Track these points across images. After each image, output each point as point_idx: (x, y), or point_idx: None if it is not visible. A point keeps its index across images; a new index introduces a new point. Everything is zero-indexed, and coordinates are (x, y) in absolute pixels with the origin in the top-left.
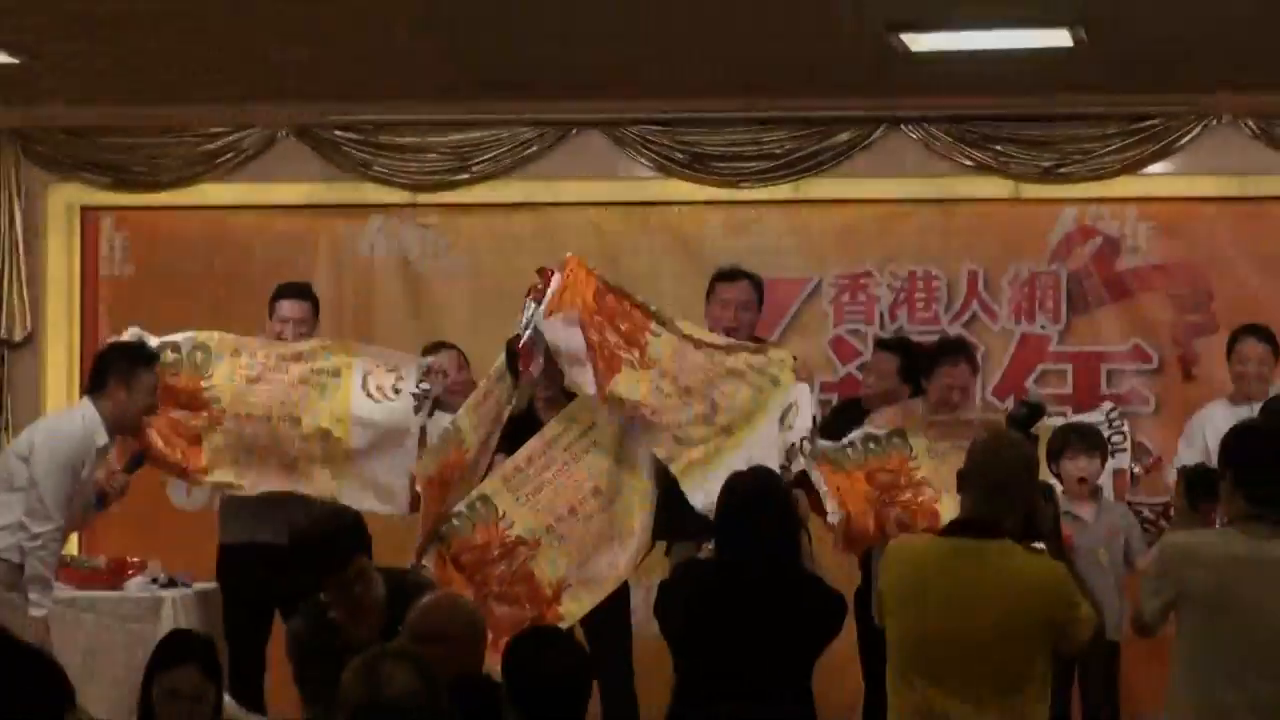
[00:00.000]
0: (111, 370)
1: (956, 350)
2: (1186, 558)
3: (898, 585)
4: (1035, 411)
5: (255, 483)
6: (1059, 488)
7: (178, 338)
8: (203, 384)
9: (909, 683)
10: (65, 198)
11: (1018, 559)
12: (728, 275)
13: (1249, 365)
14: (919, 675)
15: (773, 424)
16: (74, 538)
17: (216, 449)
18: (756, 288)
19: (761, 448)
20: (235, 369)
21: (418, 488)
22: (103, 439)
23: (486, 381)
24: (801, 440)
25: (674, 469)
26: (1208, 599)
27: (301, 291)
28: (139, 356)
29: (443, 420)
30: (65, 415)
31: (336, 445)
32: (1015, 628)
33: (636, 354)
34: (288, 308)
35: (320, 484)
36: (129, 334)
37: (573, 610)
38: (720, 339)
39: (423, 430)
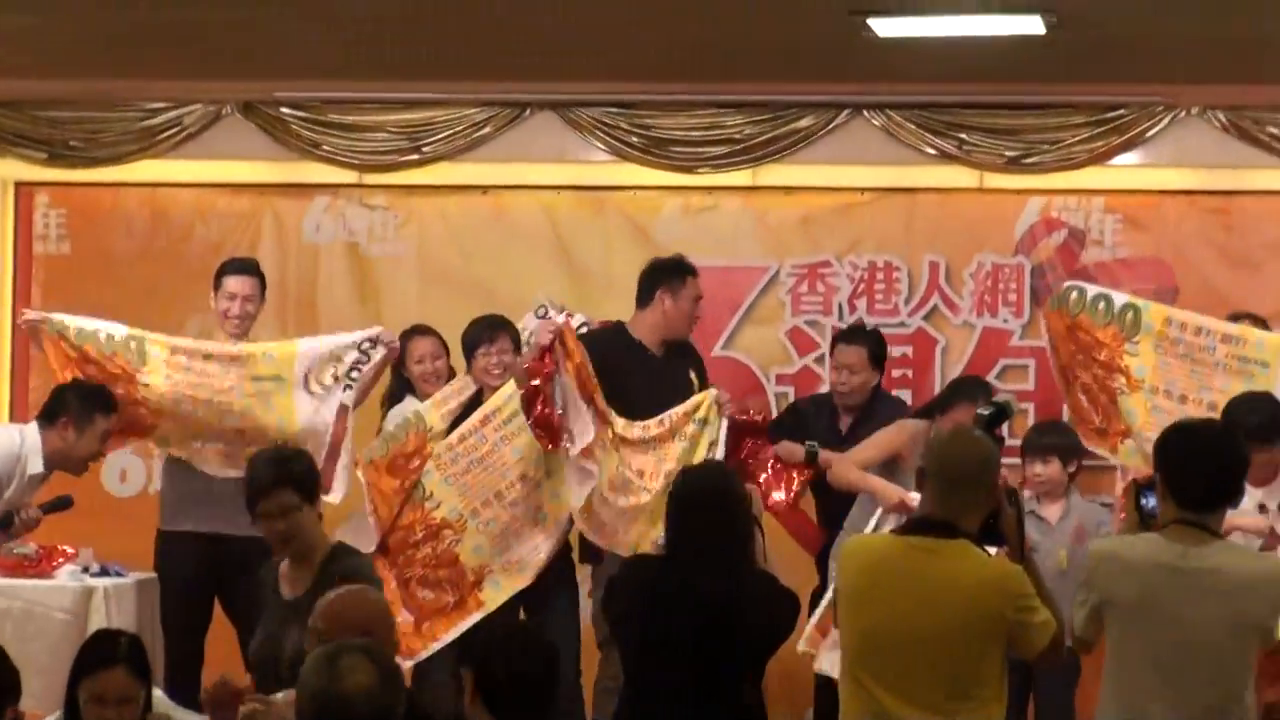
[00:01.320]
0: (67, 410)
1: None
2: (1111, 565)
3: (852, 584)
4: (1002, 412)
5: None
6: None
7: (115, 329)
8: (138, 379)
9: (859, 683)
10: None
11: (972, 558)
12: (846, 337)
13: None
14: (869, 676)
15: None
16: None
17: (164, 439)
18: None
19: None
20: (171, 370)
21: (359, 473)
22: (36, 468)
23: (455, 388)
24: None
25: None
26: (1131, 607)
27: (248, 267)
28: (98, 403)
29: (410, 405)
30: (4, 430)
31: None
32: (966, 626)
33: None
34: (234, 284)
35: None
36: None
37: (494, 596)
38: (654, 425)
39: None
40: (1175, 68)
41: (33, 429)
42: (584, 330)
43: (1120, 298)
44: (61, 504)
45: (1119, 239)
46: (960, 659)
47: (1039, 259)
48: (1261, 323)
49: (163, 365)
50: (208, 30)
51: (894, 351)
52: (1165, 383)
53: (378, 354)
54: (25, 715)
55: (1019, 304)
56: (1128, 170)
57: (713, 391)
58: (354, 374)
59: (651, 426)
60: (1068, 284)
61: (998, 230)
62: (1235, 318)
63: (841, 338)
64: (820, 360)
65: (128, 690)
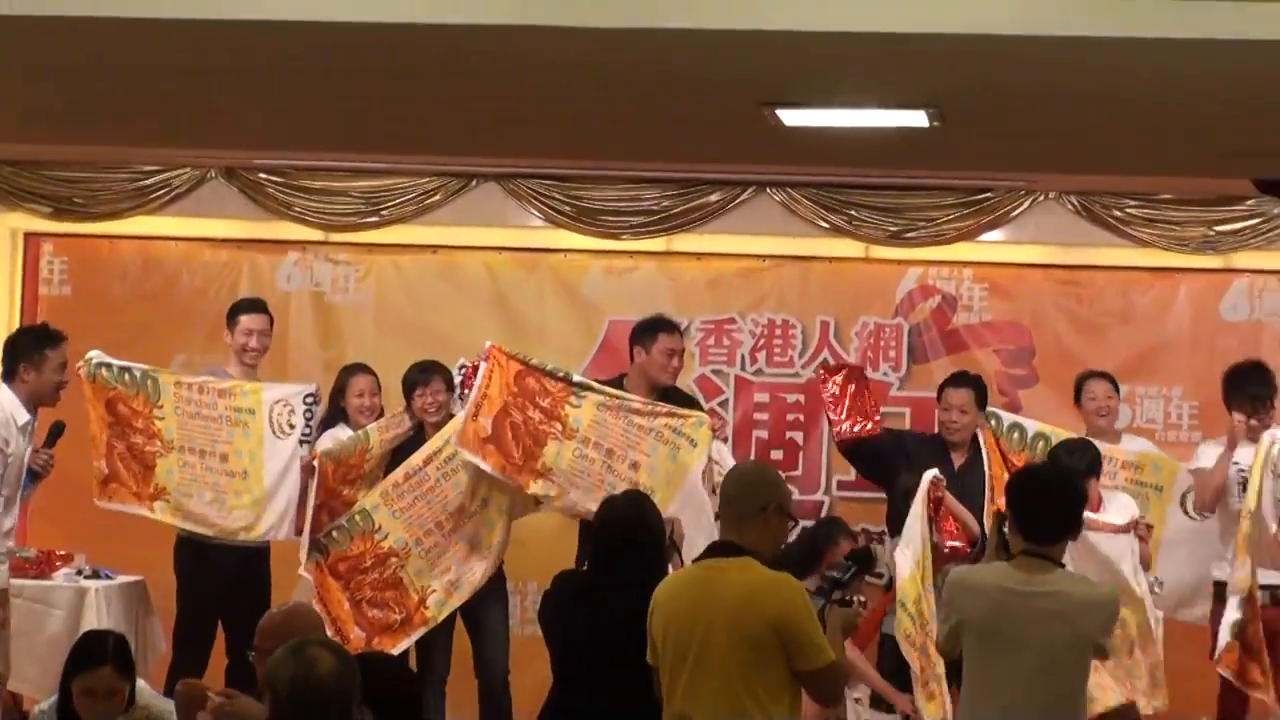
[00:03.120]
0: (20, 356)
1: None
2: (965, 588)
3: (662, 616)
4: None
5: (187, 523)
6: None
7: (133, 367)
8: (155, 413)
9: (671, 700)
10: (10, 224)
11: (753, 571)
12: (669, 326)
13: (1098, 401)
14: (672, 692)
15: (695, 482)
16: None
17: (169, 471)
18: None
19: (692, 509)
20: (179, 402)
21: (315, 462)
22: (24, 416)
23: (397, 417)
24: None
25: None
26: (982, 627)
27: (259, 306)
28: (43, 339)
29: (343, 431)
30: None
31: (255, 486)
32: (742, 631)
33: (559, 426)
34: (248, 321)
35: (238, 521)
36: (92, 354)
37: (436, 614)
38: (640, 401)
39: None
40: (1036, 159)
41: (2, 389)
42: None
43: (1031, 427)
44: (57, 431)
45: (985, 305)
46: (742, 664)
47: (915, 320)
48: (1110, 379)
49: (172, 396)
50: (196, 105)
51: (788, 399)
52: None
53: (317, 409)
54: (24, 699)
55: (898, 359)
56: (994, 245)
57: (702, 415)
58: (307, 431)
59: (634, 400)
60: (989, 409)
61: (880, 295)
62: (1086, 376)
63: (949, 381)
64: (725, 404)
65: (114, 685)
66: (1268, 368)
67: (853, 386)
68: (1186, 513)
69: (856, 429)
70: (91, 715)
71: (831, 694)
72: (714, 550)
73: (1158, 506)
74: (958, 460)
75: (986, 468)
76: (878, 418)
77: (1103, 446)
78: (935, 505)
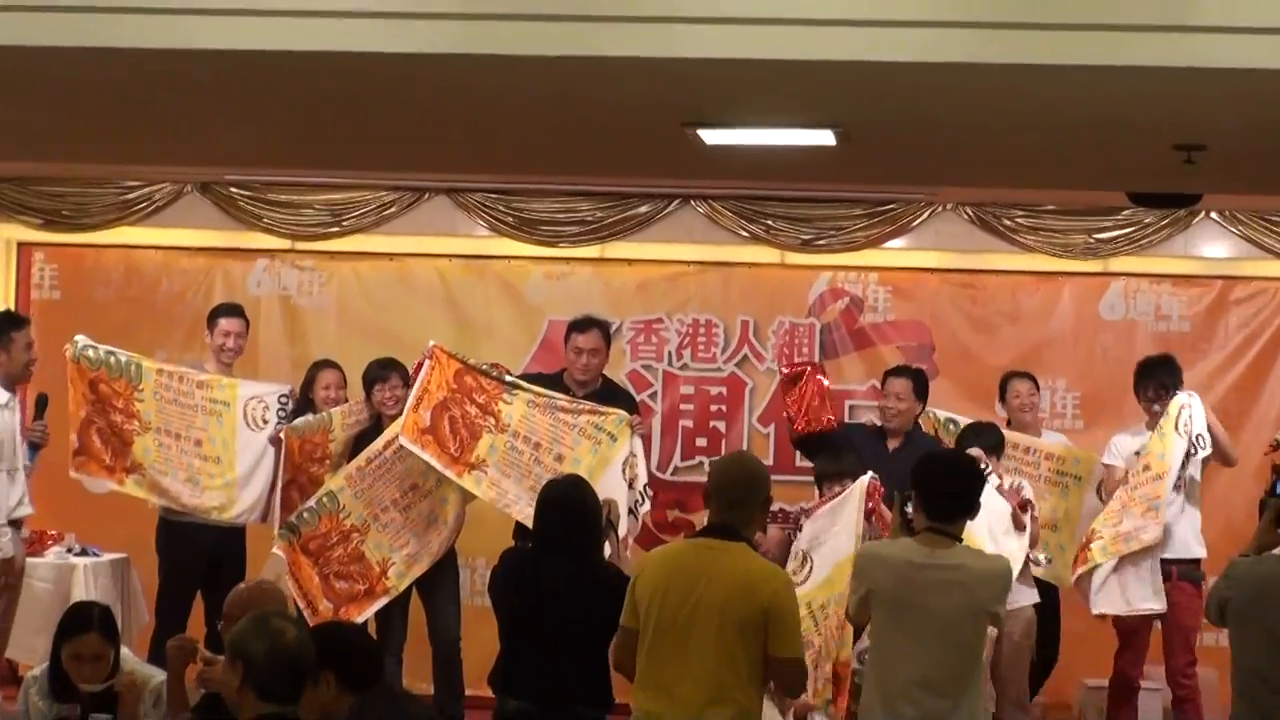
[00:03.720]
0: None
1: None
2: (874, 561)
3: (650, 584)
4: None
5: (160, 498)
6: None
7: (119, 351)
8: (135, 395)
9: (643, 667)
10: (4, 235)
11: (750, 559)
12: (581, 325)
13: (1021, 399)
14: (652, 656)
15: (615, 474)
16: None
17: (146, 449)
18: (605, 335)
19: (612, 496)
20: (159, 388)
21: (282, 435)
22: (3, 395)
23: (358, 406)
24: (644, 486)
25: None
26: (888, 597)
27: (236, 310)
28: (6, 323)
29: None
30: None
31: (227, 471)
32: (734, 613)
33: (492, 420)
34: (226, 324)
35: (211, 500)
36: (79, 338)
37: (396, 584)
38: (565, 400)
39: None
40: (934, 173)
41: None
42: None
43: (963, 421)
44: (42, 403)
45: (889, 306)
46: (727, 642)
47: (826, 320)
48: (1031, 378)
49: (153, 382)
50: (174, 126)
51: (711, 391)
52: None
53: (289, 410)
54: (20, 665)
55: (810, 355)
56: (897, 252)
57: (623, 413)
58: (280, 425)
59: (560, 399)
60: (928, 409)
61: (795, 297)
62: (1010, 376)
63: (891, 372)
64: (654, 396)
65: (99, 650)
66: (1176, 361)
67: (810, 388)
68: (1101, 499)
69: (809, 428)
70: (80, 677)
71: (798, 684)
72: (712, 531)
73: (1076, 494)
74: (892, 445)
75: None
76: (829, 418)
77: (1028, 440)
78: (872, 504)
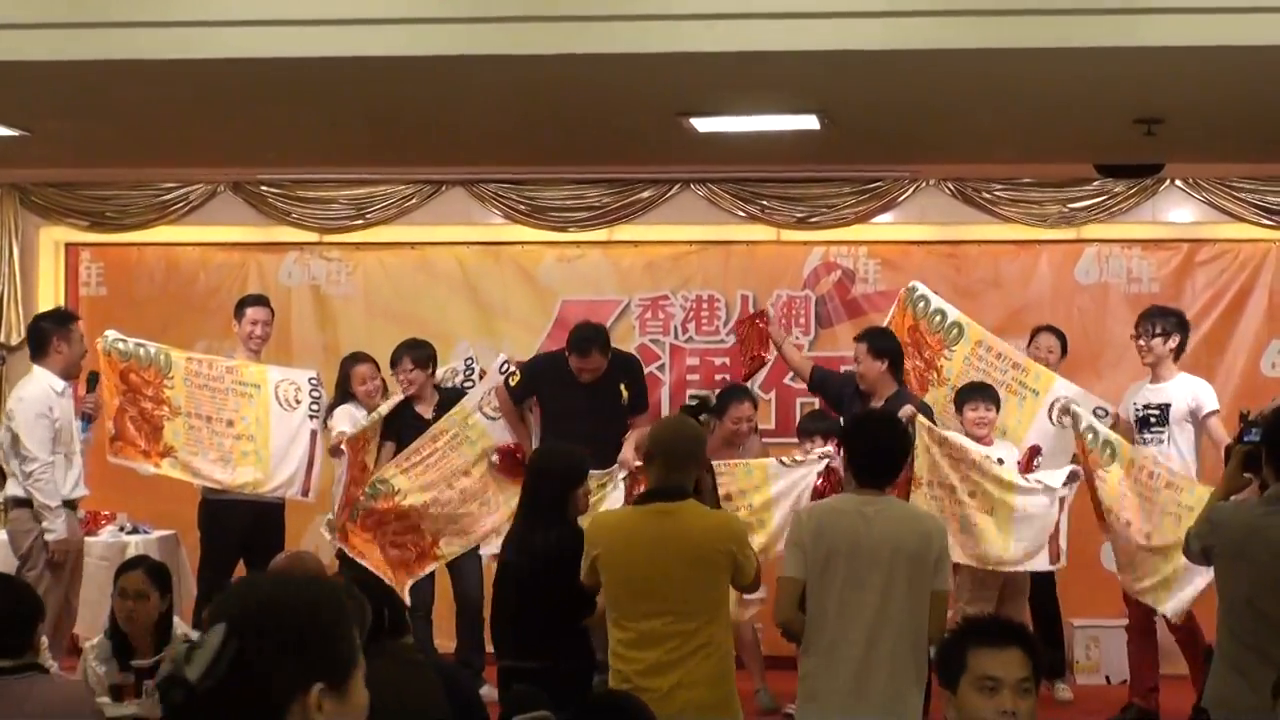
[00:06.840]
0: (50, 336)
1: (741, 393)
2: (812, 516)
3: (609, 549)
4: (704, 404)
5: (195, 478)
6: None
7: (148, 343)
8: (165, 383)
9: (621, 626)
10: (54, 236)
11: (701, 512)
12: (581, 350)
13: (1041, 352)
14: (627, 619)
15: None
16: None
17: (176, 433)
18: (603, 348)
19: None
20: (189, 375)
21: (343, 445)
22: (59, 385)
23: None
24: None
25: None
26: (820, 548)
27: (262, 300)
28: (65, 317)
29: (351, 411)
30: (24, 381)
31: (261, 448)
32: (702, 559)
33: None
34: (253, 313)
35: (245, 476)
36: (109, 333)
37: (447, 552)
38: (209, 365)
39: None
40: (915, 152)
41: (36, 369)
42: (506, 365)
43: (952, 315)
44: (93, 380)
45: (879, 277)
46: (699, 585)
47: (821, 292)
48: (1046, 330)
49: (183, 369)
50: (210, 132)
51: (715, 361)
52: (961, 381)
53: (320, 390)
54: (79, 637)
55: (807, 325)
56: (885, 226)
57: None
58: (314, 407)
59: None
60: (921, 291)
61: (790, 271)
62: (1037, 330)
63: (855, 338)
64: (662, 368)
65: (142, 588)
66: (1179, 312)
67: (744, 331)
68: (1052, 422)
69: (745, 372)
70: (123, 614)
71: (753, 589)
72: (658, 495)
73: (1031, 407)
74: (876, 404)
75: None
76: (758, 353)
77: (999, 344)
78: (822, 483)
